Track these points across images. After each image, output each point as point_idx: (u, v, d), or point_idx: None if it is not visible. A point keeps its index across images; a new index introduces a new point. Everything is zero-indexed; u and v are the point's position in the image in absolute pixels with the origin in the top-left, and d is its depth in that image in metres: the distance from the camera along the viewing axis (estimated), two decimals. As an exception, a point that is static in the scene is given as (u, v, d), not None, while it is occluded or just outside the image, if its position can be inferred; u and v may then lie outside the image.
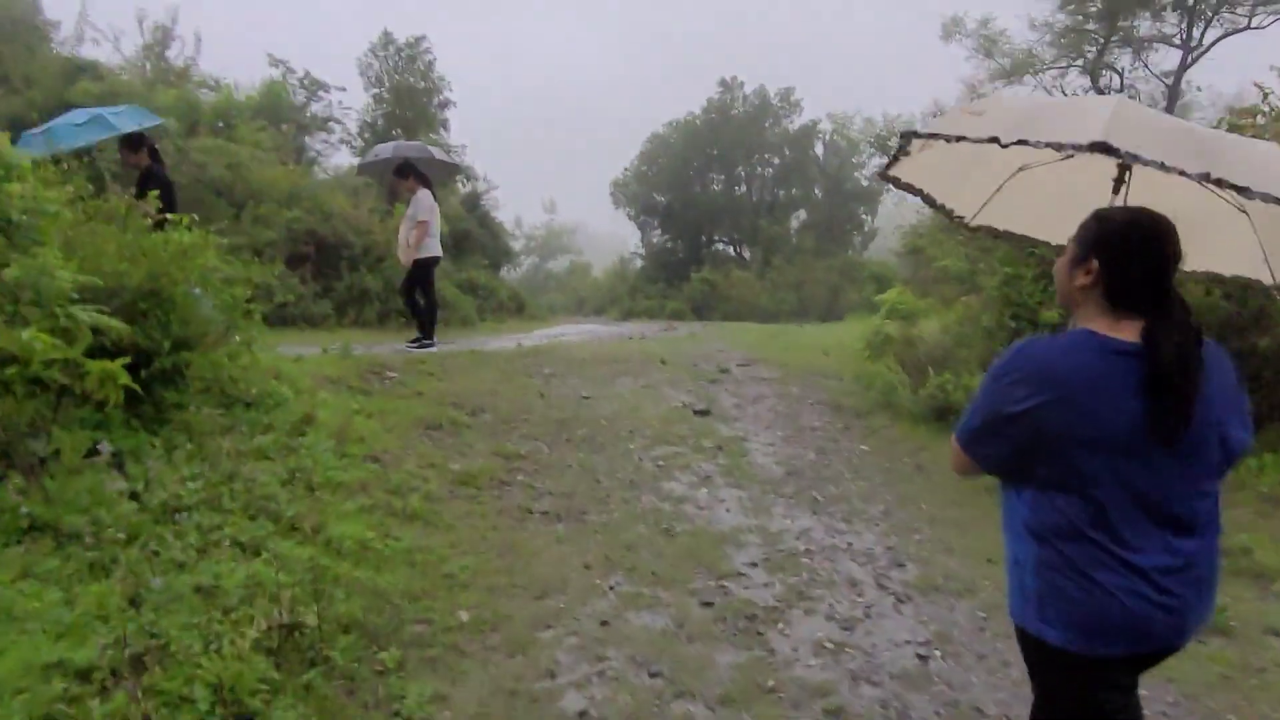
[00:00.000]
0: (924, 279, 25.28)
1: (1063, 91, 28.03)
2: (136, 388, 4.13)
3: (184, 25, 30.79)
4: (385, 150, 9.80)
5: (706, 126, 42.97)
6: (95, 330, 4.16)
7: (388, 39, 24.12)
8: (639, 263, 47.62)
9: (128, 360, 4.10)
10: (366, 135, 24.39)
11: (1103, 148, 1.96)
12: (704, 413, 7.53)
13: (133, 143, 7.35)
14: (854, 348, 10.92)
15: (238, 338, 5.62)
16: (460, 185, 27.00)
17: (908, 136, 2.72)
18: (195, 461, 4.45)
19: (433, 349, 9.01)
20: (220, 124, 16.57)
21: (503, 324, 20.00)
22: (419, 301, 9.30)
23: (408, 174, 9.09)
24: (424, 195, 8.98)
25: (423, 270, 9.01)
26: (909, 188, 3.08)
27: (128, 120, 7.73)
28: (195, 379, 5.29)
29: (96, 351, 4.54)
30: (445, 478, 5.35)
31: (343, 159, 26.52)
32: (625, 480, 5.78)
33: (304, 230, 14.22)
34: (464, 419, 6.54)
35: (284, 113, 25.19)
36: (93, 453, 4.19)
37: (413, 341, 9.14)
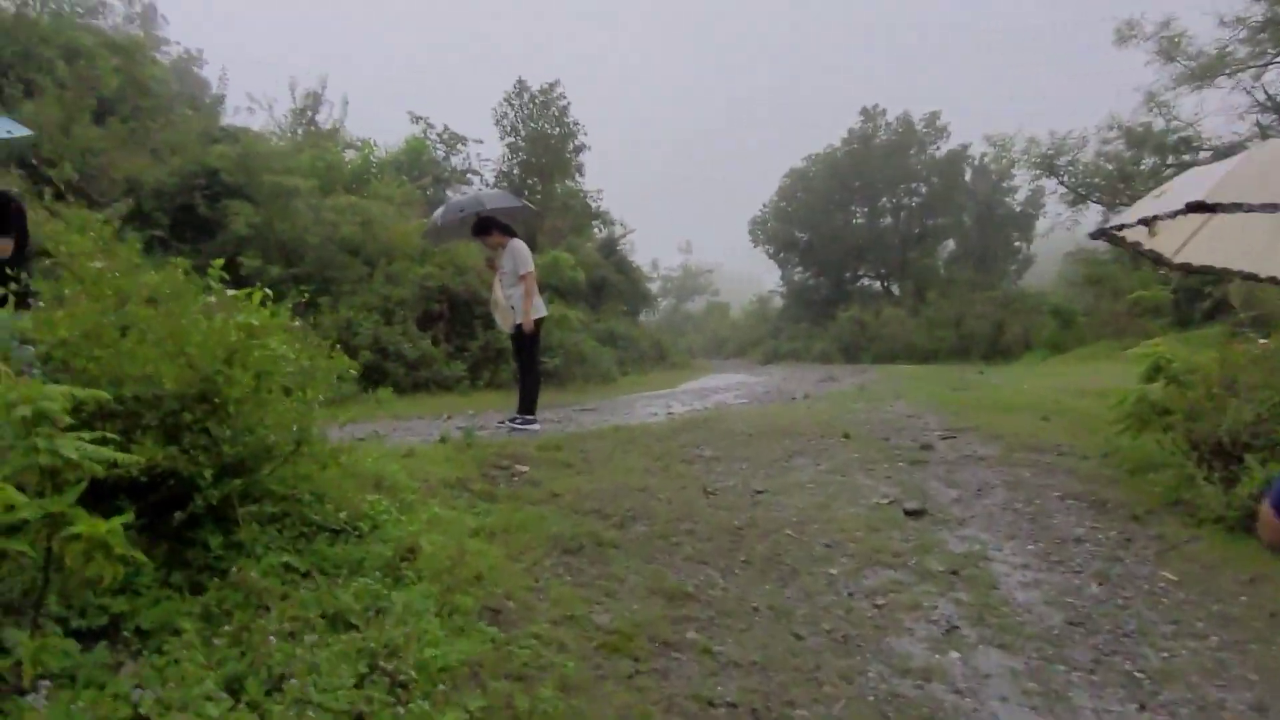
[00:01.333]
0: (1110, 313, 22.33)
1: (1264, 91, 24.59)
2: (137, 557, 2.78)
3: (333, 89, 31.29)
4: (452, 210, 8.49)
5: (848, 158, 40.86)
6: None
7: (521, 87, 23.56)
8: (779, 301, 45.68)
9: (151, 499, 2.75)
10: (503, 185, 23.82)
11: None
12: (918, 513, 5.72)
13: None
14: (1078, 409, 8.78)
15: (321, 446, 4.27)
16: (596, 231, 26.06)
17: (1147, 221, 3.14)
18: (235, 649, 3.07)
19: (535, 428, 7.62)
20: (354, 183, 16.08)
21: (645, 376, 18.65)
22: (529, 369, 7.96)
23: (489, 229, 7.81)
24: (520, 245, 7.70)
25: (536, 333, 7.64)
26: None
27: None
28: (265, 504, 3.98)
29: (107, 491, 3.29)
30: (588, 641, 3.79)
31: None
32: (836, 635, 4.07)
33: (436, 287, 13.27)
34: (610, 534, 5.00)
35: (425, 167, 25.05)
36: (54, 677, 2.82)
37: (511, 419, 7.78)
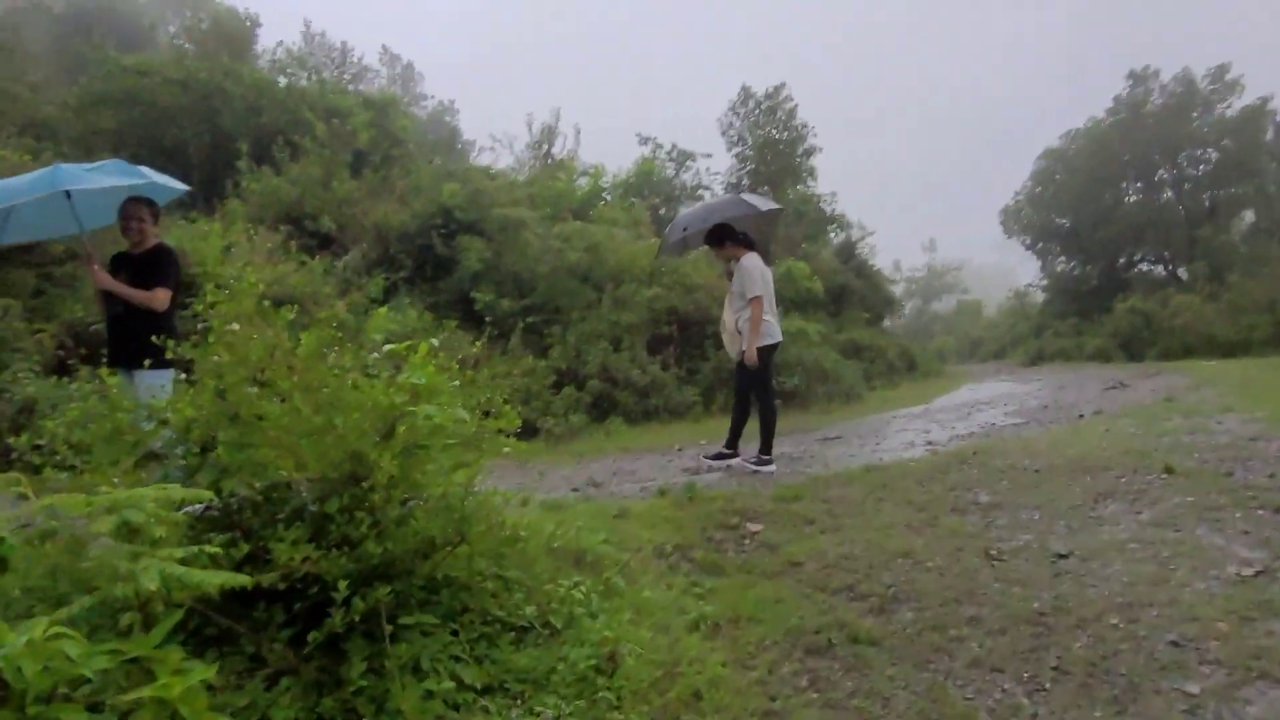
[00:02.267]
0: None
1: None
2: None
3: (565, 122, 32.05)
4: (675, 230, 7.39)
5: (1116, 129, 36.10)
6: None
7: (746, 94, 22.66)
8: (1040, 295, 41.30)
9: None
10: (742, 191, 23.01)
11: None
12: (1307, 592, 4.05)
13: (155, 211, 5.34)
14: None
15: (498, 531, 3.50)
16: (832, 236, 24.54)
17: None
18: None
19: (770, 469, 6.53)
20: (581, 209, 15.90)
21: (894, 389, 16.96)
22: (753, 402, 6.87)
23: (723, 239, 6.79)
24: (751, 263, 6.62)
25: (762, 361, 6.57)
26: None
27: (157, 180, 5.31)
28: (433, 603, 3.27)
29: (253, 595, 2.68)
30: (846, 808, 2.72)
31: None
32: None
33: (665, 308, 12.58)
34: (867, 625, 3.85)
35: (656, 187, 24.84)
36: None
37: (754, 461, 6.74)
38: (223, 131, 17.82)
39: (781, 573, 4.40)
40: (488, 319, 11.72)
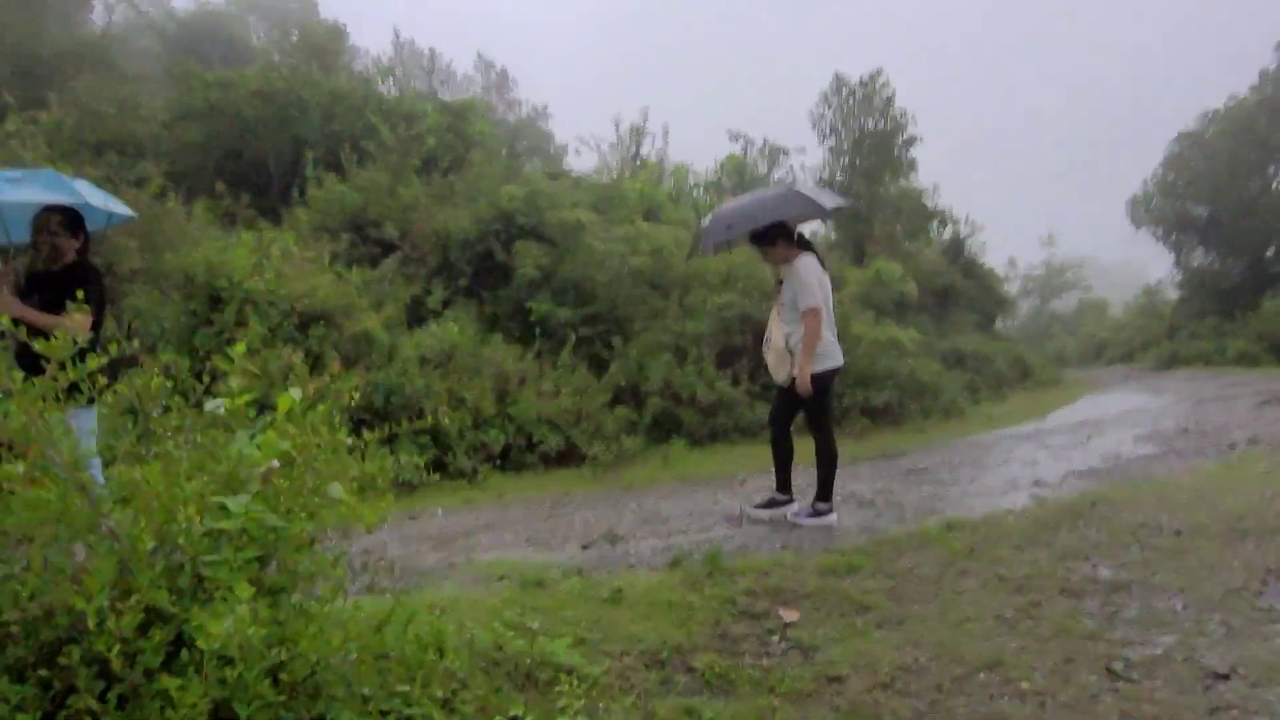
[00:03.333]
0: None
1: None
2: None
3: (654, 121, 31.41)
4: (732, 214, 5.86)
5: (1262, 109, 32.52)
6: None
7: (839, 83, 21.12)
8: (1174, 293, 37.77)
9: None
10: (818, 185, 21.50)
11: None
12: None
13: (74, 222, 4.53)
14: None
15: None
16: (935, 234, 22.69)
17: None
18: None
19: (831, 520, 5.30)
20: (652, 210, 14.83)
21: (1002, 403, 15.20)
22: (804, 437, 5.60)
23: (774, 238, 5.49)
24: (807, 266, 5.36)
25: (819, 390, 5.30)
26: None
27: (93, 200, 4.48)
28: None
29: None
30: None
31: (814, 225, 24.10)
32: None
33: (737, 316, 11.39)
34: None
35: (747, 184, 23.57)
36: None
37: (811, 512, 5.51)
38: (300, 141, 17.64)
39: (814, 693, 3.22)
40: (538, 331, 10.80)
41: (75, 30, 22.35)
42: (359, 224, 13.77)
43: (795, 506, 5.58)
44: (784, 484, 5.66)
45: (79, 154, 14.52)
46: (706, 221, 5.98)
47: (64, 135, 14.97)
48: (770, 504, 5.66)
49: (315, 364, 8.21)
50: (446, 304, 11.96)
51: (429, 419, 8.15)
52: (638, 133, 30.82)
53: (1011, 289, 37.02)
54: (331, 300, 8.87)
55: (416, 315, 11.21)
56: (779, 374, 5.42)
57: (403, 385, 8.11)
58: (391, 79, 29.05)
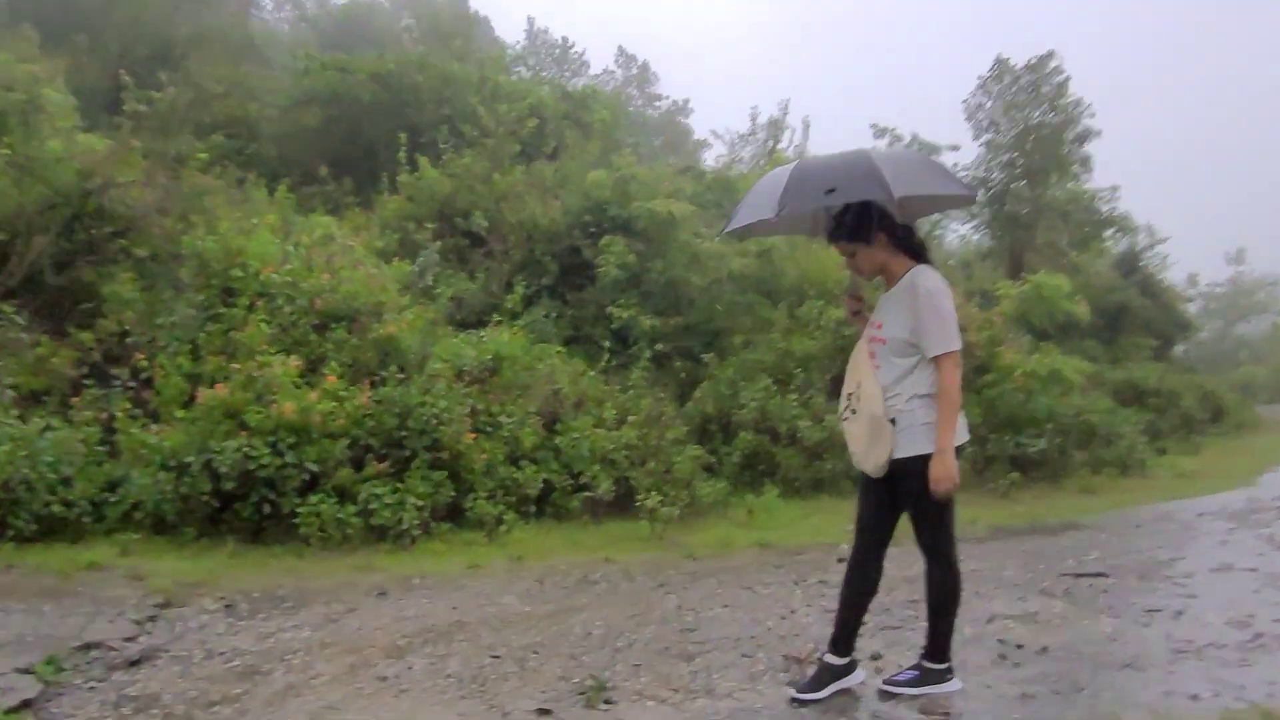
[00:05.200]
0: None
1: None
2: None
3: (794, 114, 29.49)
4: (828, 172, 3.47)
5: None
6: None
7: (1001, 68, 18.23)
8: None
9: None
10: (980, 194, 18.66)
11: None
12: None
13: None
14: None
15: None
16: (1110, 243, 19.36)
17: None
18: None
19: (952, 686, 3.18)
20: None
21: (1194, 455, 12.18)
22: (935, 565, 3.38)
23: (866, 227, 3.29)
24: (935, 285, 3.28)
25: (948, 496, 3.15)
26: None
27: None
28: None
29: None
30: None
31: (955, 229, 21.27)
32: None
33: (858, 335, 9.14)
34: None
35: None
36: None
37: (915, 677, 3.35)
38: (410, 127, 16.57)
39: None
40: (608, 343, 8.98)
41: (214, 14, 22.28)
42: (447, 213, 12.42)
43: (862, 675, 3.45)
44: (848, 639, 3.49)
45: (184, 135, 13.80)
46: (763, 183, 3.81)
47: (175, 115, 14.43)
48: (823, 676, 3.49)
49: (311, 371, 6.72)
50: (529, 303, 10.37)
51: (446, 448, 6.34)
52: (776, 126, 28.55)
53: (1192, 309, 32.34)
54: (360, 297, 7.37)
55: (485, 316, 9.64)
56: (870, 456, 3.29)
57: (424, 405, 6.47)
58: (523, 67, 28.06)
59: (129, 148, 8.68)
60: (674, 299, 10.12)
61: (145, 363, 6.63)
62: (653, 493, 6.71)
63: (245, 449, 5.68)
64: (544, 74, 30.27)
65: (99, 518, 5.73)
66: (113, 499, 5.79)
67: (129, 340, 7.25)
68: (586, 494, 6.81)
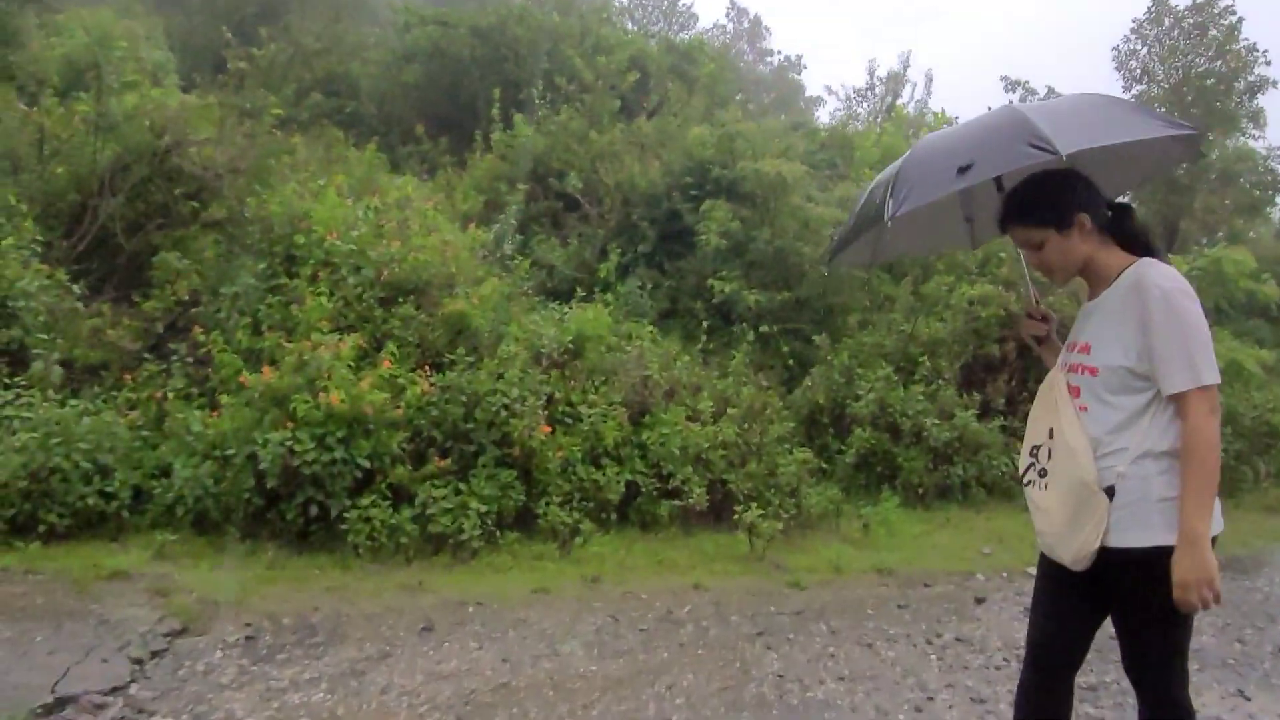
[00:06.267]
0: None
1: None
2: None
3: (916, 69, 27.75)
4: (893, 173, 2.43)
5: None
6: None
7: (1160, 10, 15.94)
8: None
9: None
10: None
11: None
12: None
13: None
14: None
15: None
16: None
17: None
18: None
19: None
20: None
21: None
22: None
23: (1060, 204, 2.18)
24: (1174, 285, 2.11)
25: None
26: None
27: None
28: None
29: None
30: None
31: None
32: None
33: (994, 318, 7.90)
34: None
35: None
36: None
37: None
38: (510, 83, 15.74)
39: None
40: (705, 321, 7.95)
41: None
42: (540, 173, 11.58)
43: None
44: None
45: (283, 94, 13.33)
46: (871, 188, 2.73)
47: (275, 73, 14.05)
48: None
49: (376, 350, 5.96)
50: (623, 273, 9.45)
51: (516, 444, 5.47)
52: (896, 80, 26.46)
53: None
54: (430, 267, 6.56)
55: (578, 286, 8.79)
56: (1070, 542, 2.16)
57: (495, 393, 5.63)
58: (629, 20, 26.77)
59: (205, 103, 8.15)
60: (781, 271, 8.97)
61: (203, 337, 6.02)
62: (753, 504, 5.69)
63: (290, 442, 4.97)
64: (651, 28, 28.92)
65: (141, 511, 5.18)
66: (158, 489, 5.21)
67: (193, 311, 6.70)
68: (676, 502, 5.85)
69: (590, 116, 12.62)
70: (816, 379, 7.64)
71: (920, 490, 6.95)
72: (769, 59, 41.51)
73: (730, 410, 6.59)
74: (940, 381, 7.49)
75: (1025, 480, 2.35)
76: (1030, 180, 2.26)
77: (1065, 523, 2.18)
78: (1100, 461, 2.15)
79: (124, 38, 9.69)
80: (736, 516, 5.68)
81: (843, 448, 7.20)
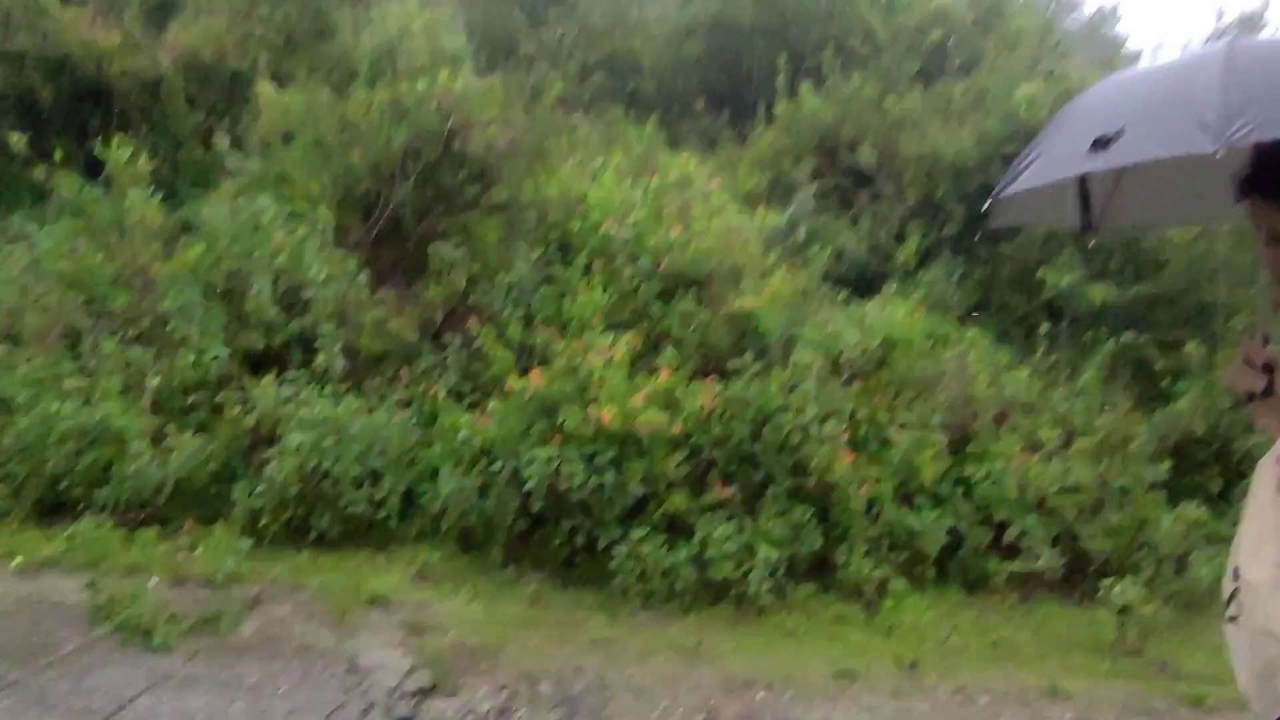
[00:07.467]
0: None
1: None
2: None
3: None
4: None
5: None
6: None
7: None
8: None
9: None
10: None
11: None
12: None
13: None
14: None
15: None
16: None
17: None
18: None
19: None
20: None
21: None
22: None
23: None
24: None
25: None
26: None
27: None
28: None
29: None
30: None
31: None
32: None
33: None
34: None
35: None
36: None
37: None
38: (794, 49, 14.59)
39: None
40: (1038, 323, 6.35)
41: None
42: (829, 146, 10.38)
43: None
44: None
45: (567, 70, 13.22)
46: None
47: (561, 53, 14.02)
48: None
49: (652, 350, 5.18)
50: (925, 259, 8.10)
51: (813, 474, 4.60)
52: (1250, 23, 21.76)
53: None
54: (714, 256, 5.69)
55: (868, 274, 7.61)
56: (1259, 697, 1.26)
57: (786, 410, 4.65)
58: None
59: (489, 85, 7.91)
60: (1134, 258, 7.12)
61: (478, 329, 5.62)
62: (1126, 578, 4.24)
63: (557, 460, 4.33)
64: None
65: (409, 517, 4.84)
66: (425, 495, 4.84)
67: (469, 301, 6.38)
68: (1016, 563, 4.53)
69: (885, 81, 11.16)
70: (1193, 401, 5.83)
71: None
72: (1074, 14, 36.47)
73: (1080, 440, 5.09)
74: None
75: (1227, 614, 1.47)
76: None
77: (1252, 679, 1.38)
78: None
79: (425, 27, 9.83)
80: (1101, 592, 4.25)
81: (1230, 493, 5.40)
